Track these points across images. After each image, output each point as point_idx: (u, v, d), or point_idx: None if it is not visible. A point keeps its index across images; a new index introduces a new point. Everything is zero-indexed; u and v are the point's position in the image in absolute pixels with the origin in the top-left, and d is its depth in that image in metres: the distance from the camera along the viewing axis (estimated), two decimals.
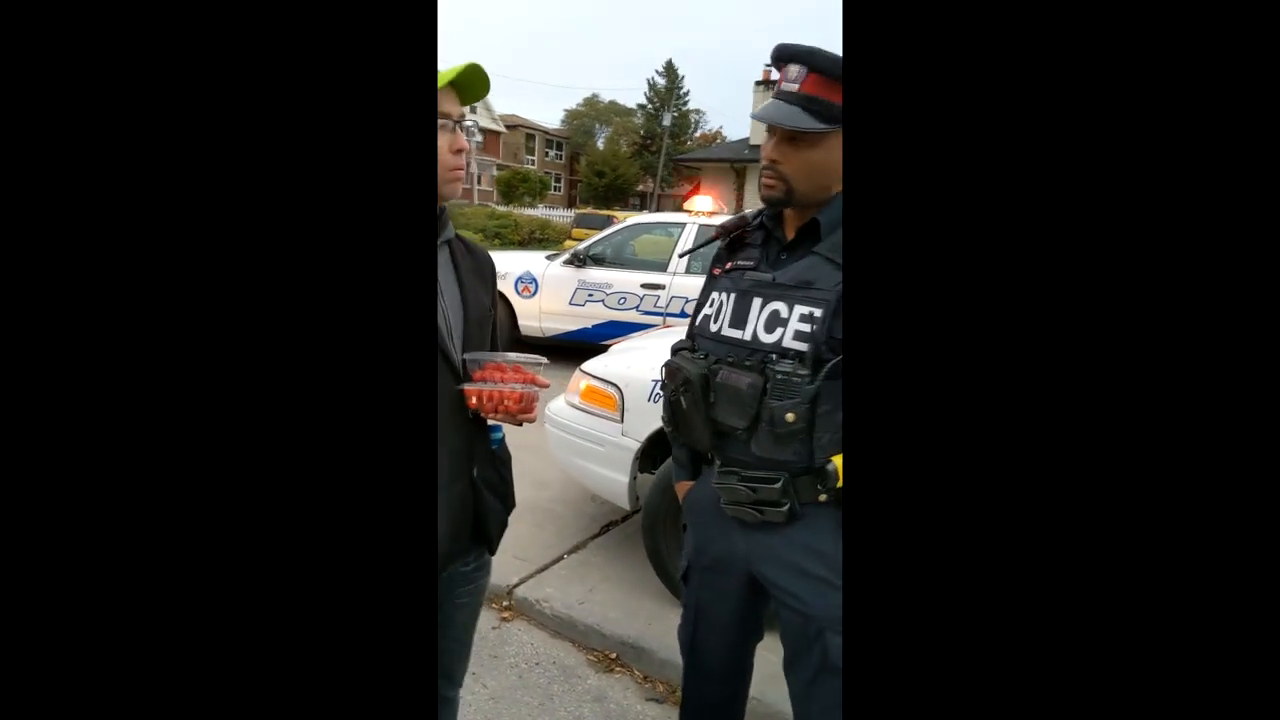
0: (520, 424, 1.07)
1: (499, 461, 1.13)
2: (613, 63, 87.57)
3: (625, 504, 2.24)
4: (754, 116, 1.12)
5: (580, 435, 2.29)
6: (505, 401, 1.01)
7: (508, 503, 1.16)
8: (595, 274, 4.96)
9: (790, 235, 1.04)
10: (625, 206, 29.67)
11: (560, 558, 2.41)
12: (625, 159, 33.75)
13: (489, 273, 1.14)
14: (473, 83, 0.97)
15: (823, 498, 0.97)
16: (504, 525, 1.16)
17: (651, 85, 37.15)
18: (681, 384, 1.05)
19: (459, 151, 0.97)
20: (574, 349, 4.32)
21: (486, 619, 2.12)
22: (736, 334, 1.02)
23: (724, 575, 1.11)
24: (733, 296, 1.05)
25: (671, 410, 1.10)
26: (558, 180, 37.19)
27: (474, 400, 1.01)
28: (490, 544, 1.13)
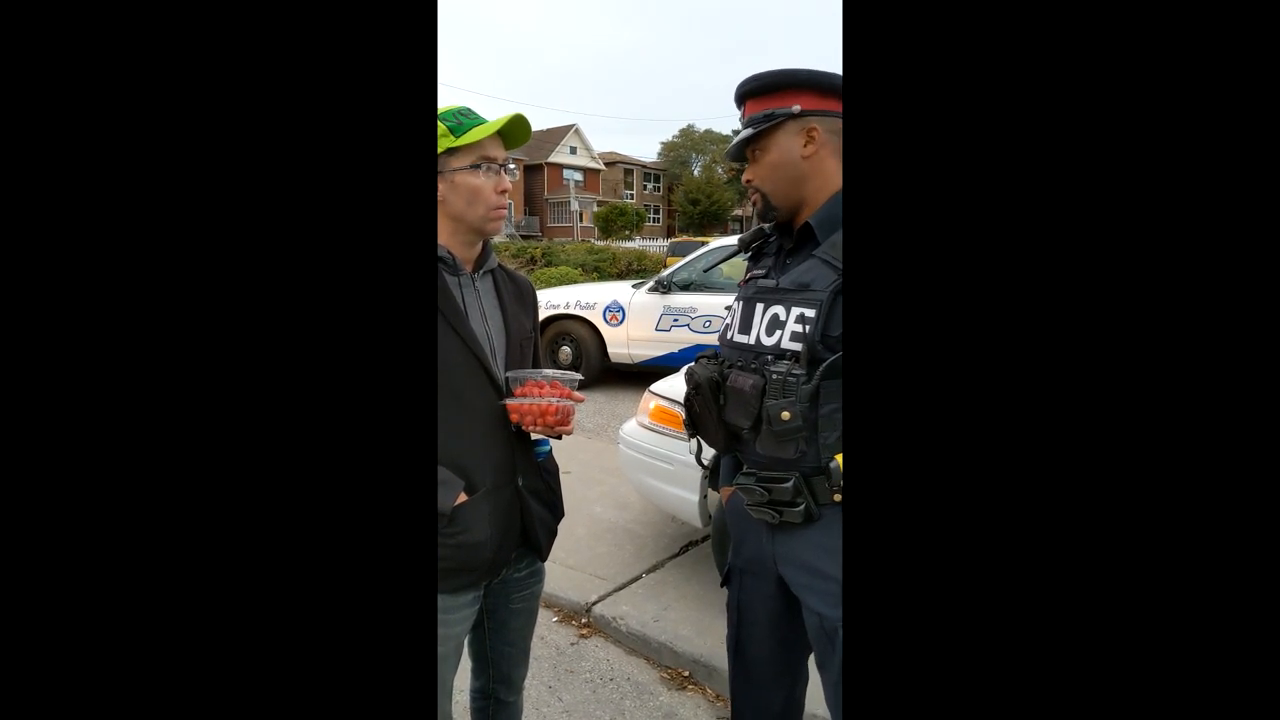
0: (559, 436, 1.14)
1: (545, 472, 1.20)
2: (707, 92, 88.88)
3: (697, 522, 2.26)
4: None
5: (650, 454, 2.34)
6: (545, 415, 1.09)
7: (555, 511, 1.22)
8: (680, 299, 5.03)
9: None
10: (725, 232, 29.72)
11: (638, 577, 2.45)
12: (720, 185, 33.94)
13: (530, 298, 1.23)
14: (515, 131, 1.09)
15: (837, 497, 0.97)
16: (553, 533, 1.22)
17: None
18: (694, 387, 1.10)
19: (503, 192, 1.08)
20: (664, 374, 4.41)
21: (565, 634, 2.20)
22: (744, 339, 1.07)
23: (759, 577, 1.13)
24: (741, 304, 1.11)
25: (688, 412, 1.14)
26: (656, 211, 37.98)
27: (515, 415, 1.09)
28: (539, 550, 1.20)
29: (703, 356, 1.14)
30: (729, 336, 1.12)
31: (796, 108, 1.02)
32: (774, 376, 0.97)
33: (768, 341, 1.02)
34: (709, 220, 32.56)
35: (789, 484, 0.99)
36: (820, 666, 1.06)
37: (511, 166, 1.12)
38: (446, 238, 1.08)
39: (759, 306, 1.06)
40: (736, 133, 1.11)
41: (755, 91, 1.05)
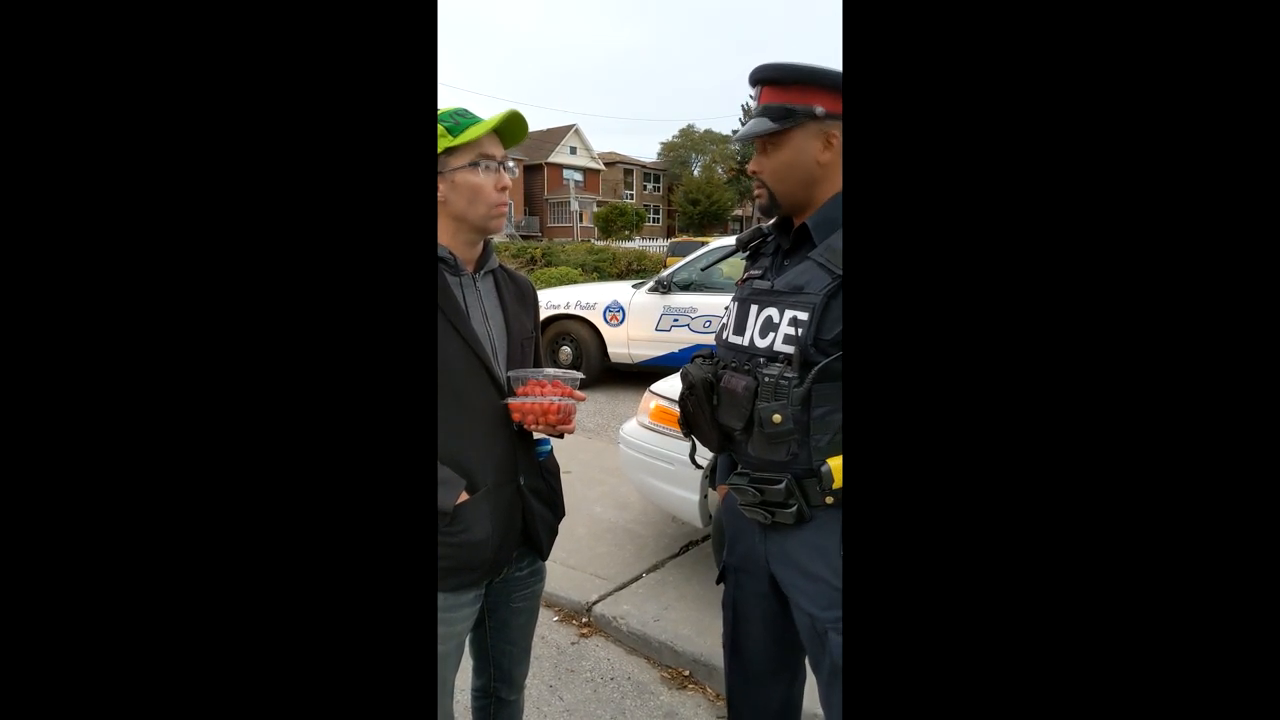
0: (561, 435, 1.14)
1: (546, 471, 1.20)
2: (707, 92, 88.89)
3: (697, 522, 2.26)
4: (734, 139, 1.18)
5: (651, 454, 2.35)
6: (546, 414, 1.09)
7: (556, 510, 1.22)
8: (680, 299, 5.03)
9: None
10: (725, 232, 29.70)
11: (639, 576, 2.45)
12: (720, 185, 33.94)
13: (531, 298, 1.23)
14: (513, 128, 1.09)
15: (829, 500, 0.97)
16: (554, 532, 1.22)
17: (745, 109, 37.25)
18: (688, 388, 1.09)
19: (503, 189, 1.08)
20: (664, 374, 4.41)
21: (565, 634, 2.20)
22: (738, 340, 1.07)
23: (752, 576, 1.13)
24: (737, 305, 1.10)
25: (682, 412, 1.14)
26: (655, 212, 37.97)
27: (517, 414, 1.09)
28: (540, 549, 1.20)
29: (698, 356, 1.14)
30: (724, 337, 1.11)
31: (820, 110, 0.99)
32: (766, 379, 0.97)
33: (761, 343, 1.02)
34: (709, 220, 32.55)
35: (781, 485, 0.99)
36: (813, 667, 1.06)
37: (510, 164, 1.12)
38: (448, 238, 1.08)
39: (753, 308, 1.05)
40: (743, 123, 1.08)
41: (777, 80, 1.02)
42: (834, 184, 1.03)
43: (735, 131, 1.20)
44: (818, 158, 1.02)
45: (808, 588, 1.01)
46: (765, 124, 1.02)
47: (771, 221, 1.13)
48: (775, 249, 1.11)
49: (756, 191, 1.09)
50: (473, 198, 1.05)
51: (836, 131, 1.01)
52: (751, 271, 1.13)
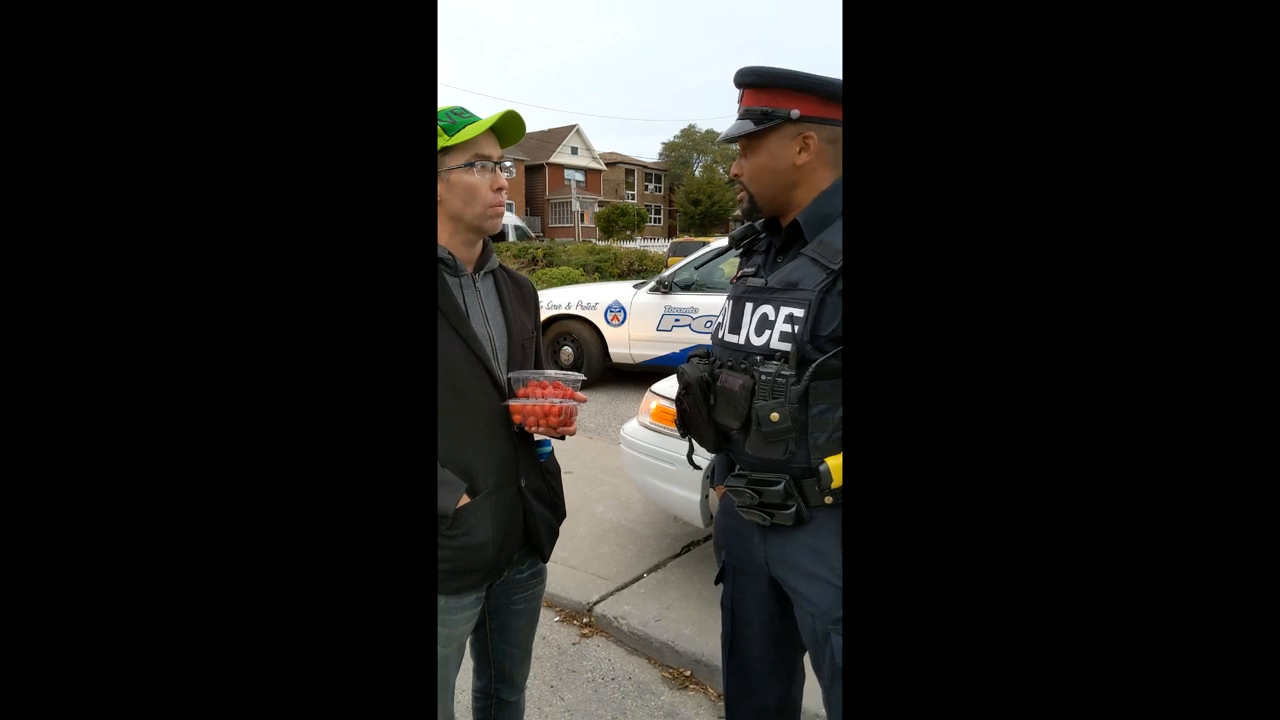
0: (562, 437, 1.14)
1: (547, 472, 1.20)
2: (708, 93, 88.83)
3: (698, 522, 2.26)
4: (718, 141, 1.21)
5: (652, 455, 2.35)
6: (547, 416, 1.09)
7: (558, 511, 1.22)
8: (682, 299, 5.03)
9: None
10: (726, 232, 29.68)
11: (640, 576, 2.45)
12: (721, 185, 33.94)
13: (531, 298, 1.23)
14: (510, 128, 1.09)
15: (828, 500, 0.96)
16: (555, 533, 1.22)
17: None
18: (684, 387, 1.09)
19: (499, 189, 1.08)
20: (666, 374, 4.39)
21: (566, 634, 2.20)
22: (734, 339, 1.06)
23: (751, 576, 1.12)
24: (732, 303, 1.10)
25: (678, 412, 1.14)
26: (657, 212, 38.00)
27: (518, 416, 1.09)
28: (541, 551, 1.20)
29: (694, 356, 1.13)
30: (719, 336, 1.11)
31: (795, 113, 1.00)
32: (763, 377, 0.96)
33: (757, 341, 1.01)
34: (710, 220, 32.57)
35: (779, 486, 0.98)
36: (815, 668, 1.05)
37: (508, 164, 1.12)
38: (446, 238, 1.08)
39: (748, 306, 1.05)
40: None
41: (755, 84, 1.04)
42: (812, 187, 1.04)
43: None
44: (794, 160, 1.03)
45: (809, 590, 1.01)
46: (743, 125, 1.04)
47: (764, 223, 1.13)
48: (768, 246, 1.11)
49: (739, 195, 1.10)
50: (469, 197, 1.05)
51: (813, 134, 1.02)
52: (745, 269, 1.12)
